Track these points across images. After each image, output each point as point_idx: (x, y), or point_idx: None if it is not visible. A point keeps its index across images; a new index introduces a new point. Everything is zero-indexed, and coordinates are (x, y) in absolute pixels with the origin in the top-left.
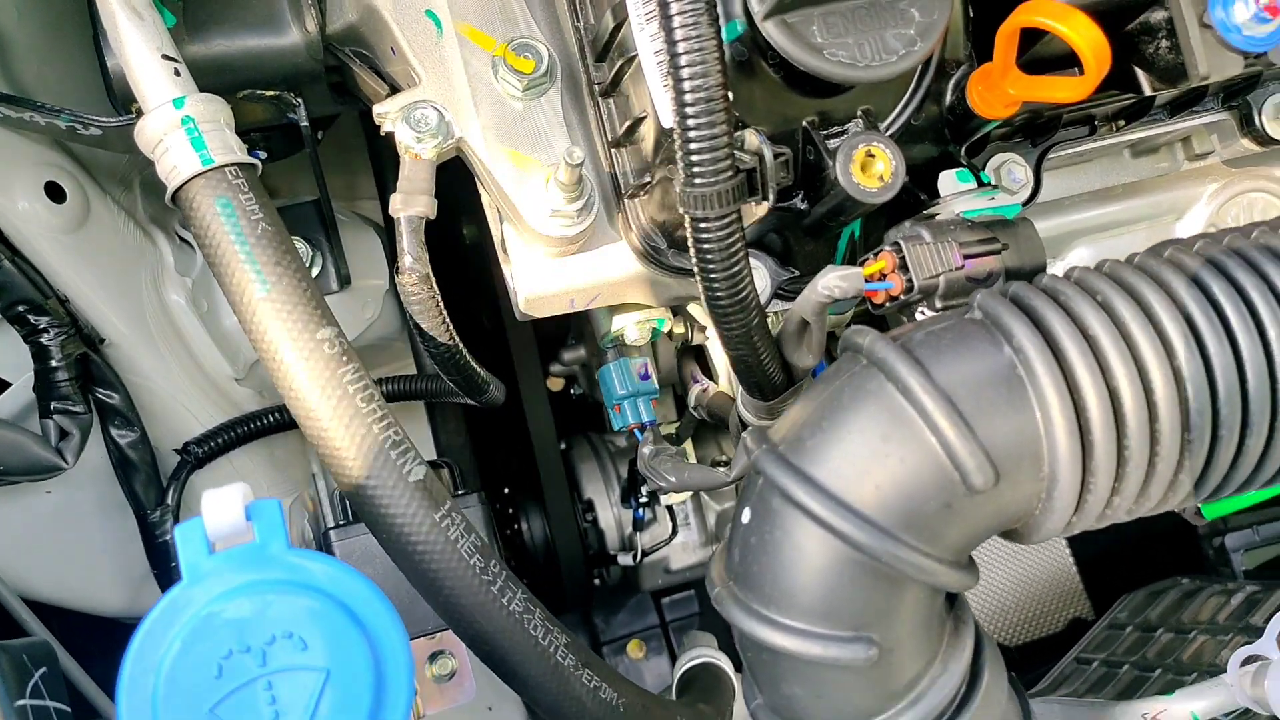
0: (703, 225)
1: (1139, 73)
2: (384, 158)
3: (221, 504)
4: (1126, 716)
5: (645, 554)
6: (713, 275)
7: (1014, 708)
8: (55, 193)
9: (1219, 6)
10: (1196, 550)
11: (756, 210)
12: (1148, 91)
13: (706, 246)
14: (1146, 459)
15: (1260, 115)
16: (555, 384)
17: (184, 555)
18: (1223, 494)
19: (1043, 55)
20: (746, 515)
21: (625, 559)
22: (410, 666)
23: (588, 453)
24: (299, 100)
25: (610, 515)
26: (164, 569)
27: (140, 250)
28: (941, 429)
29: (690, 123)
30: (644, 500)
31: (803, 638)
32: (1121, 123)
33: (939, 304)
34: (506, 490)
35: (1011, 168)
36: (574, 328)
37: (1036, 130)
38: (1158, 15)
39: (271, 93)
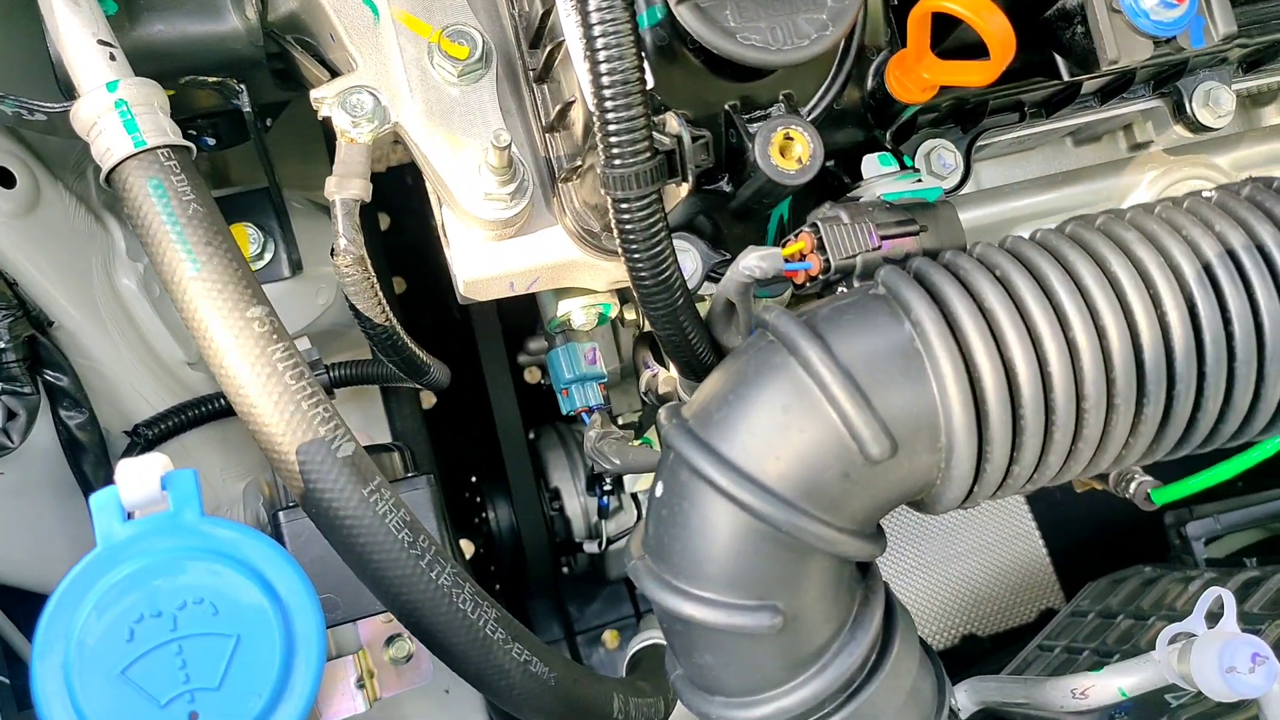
0: (624, 206)
1: (1058, 59)
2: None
3: (137, 473)
4: (1056, 691)
5: (610, 541)
6: (636, 255)
7: (928, 678)
8: (4, 178)
9: None
10: (1164, 540)
11: (679, 191)
12: (1066, 77)
13: (628, 227)
14: (1042, 429)
15: (1190, 102)
16: (534, 375)
17: (98, 523)
18: (1125, 463)
19: (962, 42)
20: (660, 489)
21: (591, 547)
22: (322, 636)
23: (555, 442)
24: (242, 87)
25: (576, 504)
26: None
27: (91, 235)
28: (839, 401)
29: (608, 104)
30: (608, 488)
31: (710, 607)
32: (1049, 108)
33: (856, 284)
34: (474, 479)
35: (941, 153)
36: (540, 319)
37: (965, 117)
38: (1072, 2)
39: (214, 79)
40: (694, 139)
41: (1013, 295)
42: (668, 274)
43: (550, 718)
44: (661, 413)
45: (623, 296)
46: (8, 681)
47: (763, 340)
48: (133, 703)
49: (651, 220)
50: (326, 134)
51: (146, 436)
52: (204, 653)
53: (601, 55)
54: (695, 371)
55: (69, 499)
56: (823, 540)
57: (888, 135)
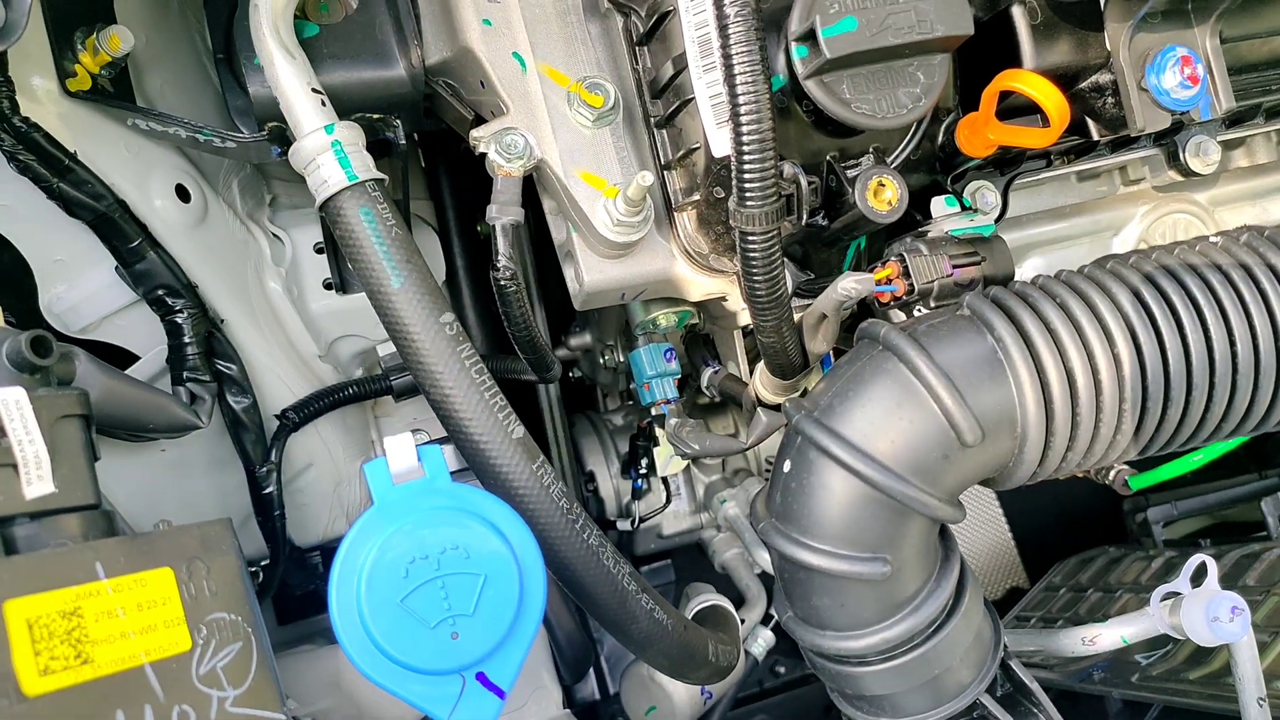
0: (751, 238)
1: (1089, 121)
2: (438, 169)
3: (400, 447)
4: (1069, 639)
5: (642, 520)
6: (756, 278)
7: (988, 623)
8: (182, 193)
9: (1153, 74)
10: (1120, 525)
11: (790, 227)
12: (1095, 137)
13: (752, 255)
14: (1093, 422)
15: (1184, 152)
16: None
17: (374, 486)
18: (1151, 451)
19: (1014, 105)
20: (787, 466)
21: (623, 524)
22: (544, 576)
23: (588, 429)
24: (398, 122)
25: (609, 486)
26: (268, 516)
27: (245, 243)
28: (942, 398)
29: (746, 157)
30: (643, 472)
31: (832, 558)
32: (1072, 156)
33: (932, 304)
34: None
35: (984, 192)
36: (579, 316)
37: (1005, 163)
38: (1104, 78)
39: (378, 115)
40: (808, 184)
41: (1071, 318)
42: (780, 293)
43: (667, 657)
44: (789, 405)
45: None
46: None
47: (873, 349)
48: (409, 625)
49: (772, 250)
50: (425, 159)
51: (293, 420)
52: (460, 587)
53: (744, 116)
54: (785, 371)
55: (219, 473)
56: (924, 505)
57: (948, 179)
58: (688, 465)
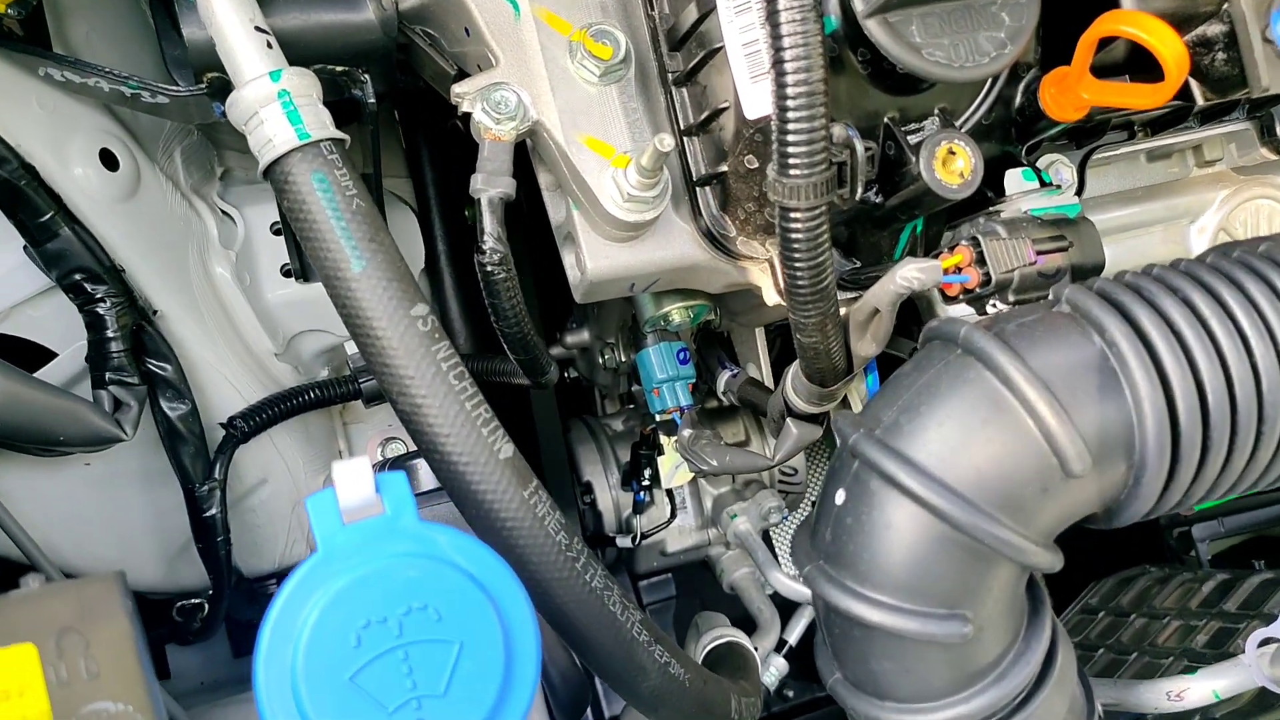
0: (793, 215)
1: (1192, 82)
2: (418, 139)
3: (353, 476)
4: (1152, 693)
5: (644, 536)
6: (797, 264)
7: (1080, 689)
8: (109, 160)
9: None
10: (1153, 540)
11: (839, 203)
12: (1199, 101)
13: (795, 236)
14: (1226, 449)
15: None
16: None
17: (318, 527)
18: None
19: (1104, 62)
20: (841, 496)
21: (624, 541)
22: (538, 638)
23: (585, 435)
24: (366, 77)
25: (608, 498)
26: (209, 543)
27: (187, 221)
28: (1042, 416)
29: (790, 115)
30: (646, 484)
31: (897, 614)
32: (1151, 130)
33: (1011, 298)
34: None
35: (1059, 168)
36: (576, 310)
37: (1084, 134)
38: (1215, 28)
39: (341, 68)
40: (865, 150)
41: (1199, 317)
42: (826, 283)
43: (682, 715)
44: (841, 421)
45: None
46: None
47: (949, 353)
48: (361, 709)
49: (819, 230)
50: (404, 127)
51: (242, 429)
52: (429, 659)
53: (789, 65)
54: (825, 377)
55: (153, 491)
56: (1015, 550)
57: (1023, 150)
58: (694, 477)
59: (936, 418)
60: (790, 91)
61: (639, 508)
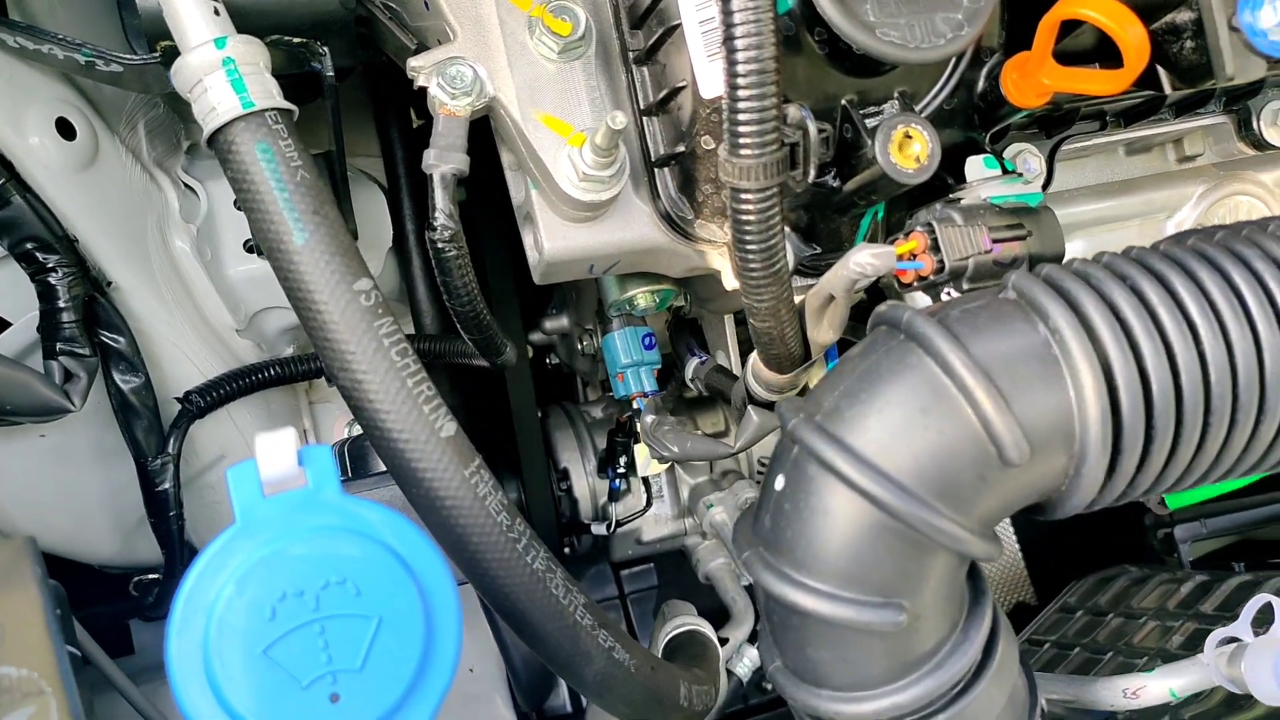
0: (744, 196)
1: (1161, 71)
2: (388, 116)
3: (275, 447)
4: (1108, 690)
5: (619, 524)
6: (750, 247)
7: (1022, 680)
8: (66, 129)
9: (1247, 10)
10: (1139, 540)
11: (794, 185)
12: (1168, 90)
13: (745, 218)
14: (1170, 440)
15: (1259, 120)
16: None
17: (237, 498)
18: (1236, 475)
19: (1070, 49)
20: (780, 483)
21: (599, 529)
22: (459, 617)
23: (563, 421)
24: (324, 50)
25: (585, 484)
26: (162, 518)
27: (147, 193)
28: (981, 404)
29: (741, 94)
30: (621, 471)
31: (834, 602)
32: (1125, 121)
33: (965, 286)
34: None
35: (1027, 157)
36: (556, 296)
37: (1053, 123)
38: (1183, 16)
39: (298, 39)
40: (818, 132)
41: (1146, 305)
42: (779, 267)
43: (629, 704)
44: (782, 409)
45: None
46: (79, 653)
47: (893, 339)
48: (274, 683)
49: (770, 212)
50: (374, 103)
51: (198, 404)
52: (346, 633)
53: (740, 42)
54: (782, 363)
55: (110, 465)
56: (953, 539)
57: (987, 138)
58: (671, 465)
59: (876, 404)
60: (741, 70)
61: (615, 495)
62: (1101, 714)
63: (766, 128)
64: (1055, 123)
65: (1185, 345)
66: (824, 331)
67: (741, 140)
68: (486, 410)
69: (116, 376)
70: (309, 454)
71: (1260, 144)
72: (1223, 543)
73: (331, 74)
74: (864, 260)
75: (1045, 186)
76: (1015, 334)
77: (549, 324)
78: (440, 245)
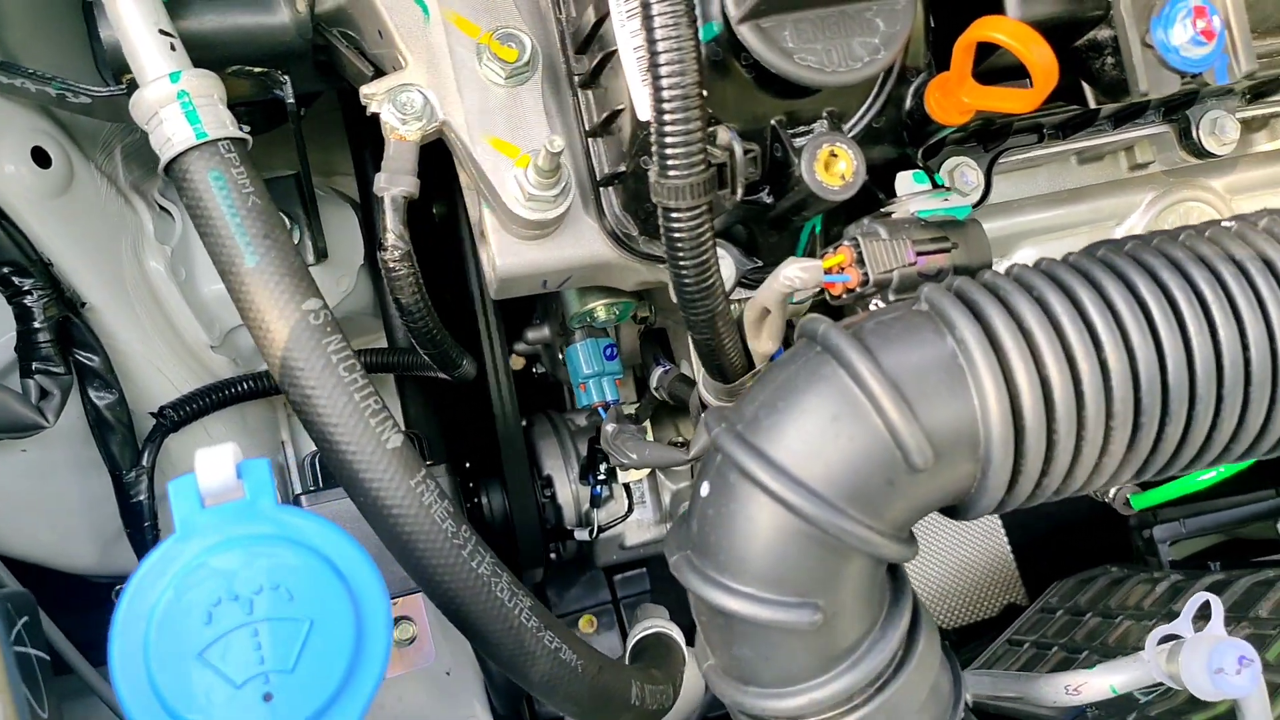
0: (674, 215)
1: (1085, 86)
2: (362, 136)
3: (214, 461)
4: (1050, 687)
5: (601, 530)
6: (681, 263)
7: (946, 674)
8: (41, 158)
9: (1160, 28)
10: (1127, 541)
11: (724, 203)
12: (1092, 104)
13: (677, 236)
14: (1074, 444)
15: (1197, 129)
16: (517, 362)
17: (177, 509)
18: (1146, 476)
19: (997, 66)
20: (705, 489)
21: (582, 534)
22: (388, 621)
23: (548, 430)
24: (285, 78)
25: (568, 491)
26: (138, 528)
27: (121, 217)
28: (886, 412)
29: (666, 118)
30: (602, 478)
31: (753, 602)
32: (1068, 132)
33: (891, 297)
34: (468, 465)
35: (965, 170)
36: (539, 307)
37: (989, 136)
38: (1104, 34)
39: (259, 69)
40: (745, 152)
41: (1050, 316)
42: (710, 281)
43: (576, 704)
44: (706, 417)
45: (639, 294)
46: (48, 657)
47: (810, 350)
48: (209, 683)
49: (700, 230)
50: (347, 124)
51: (172, 418)
52: (279, 636)
53: (664, 70)
54: (724, 374)
55: (89, 478)
56: (864, 542)
57: (919, 153)
58: (652, 471)
59: (792, 413)
60: (666, 95)
61: (597, 501)
62: (1076, 709)
63: (693, 150)
64: (990, 136)
65: (1087, 354)
66: (764, 342)
67: (669, 162)
68: (473, 419)
69: (91, 393)
70: (247, 467)
71: (1200, 152)
72: (1206, 543)
73: (293, 101)
74: (793, 274)
75: (984, 198)
76: (924, 345)
77: (531, 334)
78: (391, 265)
